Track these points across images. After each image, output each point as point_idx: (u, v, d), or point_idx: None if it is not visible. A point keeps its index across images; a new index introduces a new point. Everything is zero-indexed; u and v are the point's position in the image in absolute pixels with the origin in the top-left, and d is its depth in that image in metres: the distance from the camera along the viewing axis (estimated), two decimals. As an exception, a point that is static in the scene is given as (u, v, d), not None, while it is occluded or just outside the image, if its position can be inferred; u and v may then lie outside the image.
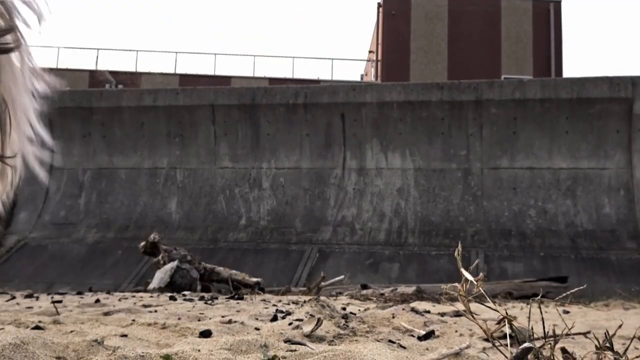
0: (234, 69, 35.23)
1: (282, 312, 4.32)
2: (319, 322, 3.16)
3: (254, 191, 10.95)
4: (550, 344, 1.95)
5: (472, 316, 1.89)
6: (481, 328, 1.89)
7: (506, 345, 1.95)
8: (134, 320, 3.83)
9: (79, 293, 7.77)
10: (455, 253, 1.95)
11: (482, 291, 1.90)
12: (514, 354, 1.73)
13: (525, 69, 29.11)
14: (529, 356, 1.88)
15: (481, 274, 1.97)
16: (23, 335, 2.48)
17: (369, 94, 10.55)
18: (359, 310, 4.93)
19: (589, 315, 4.61)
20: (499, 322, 1.91)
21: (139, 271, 9.83)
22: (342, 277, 8.16)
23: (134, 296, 6.92)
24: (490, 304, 1.94)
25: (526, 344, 1.75)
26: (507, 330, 1.92)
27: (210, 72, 34.64)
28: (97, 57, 35.32)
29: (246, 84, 30.66)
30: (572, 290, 2.37)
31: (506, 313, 1.91)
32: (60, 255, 10.65)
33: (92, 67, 34.69)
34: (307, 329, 3.10)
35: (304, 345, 2.77)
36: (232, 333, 3.24)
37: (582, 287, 2.81)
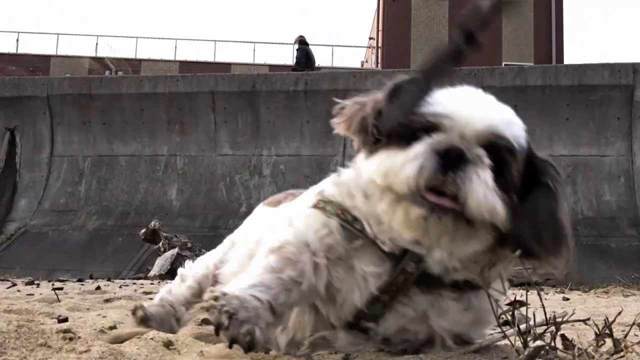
0: (234, 55, 35.09)
1: (282, 299, 4.32)
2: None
3: (255, 178, 10.95)
4: (552, 331, 1.95)
5: (490, 299, 1.89)
6: (492, 310, 1.90)
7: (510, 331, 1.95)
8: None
9: (80, 280, 7.79)
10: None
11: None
12: (526, 353, 1.73)
13: (526, 56, 29.05)
14: (528, 339, 1.89)
15: None
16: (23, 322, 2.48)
17: (370, 81, 10.51)
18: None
19: (589, 302, 4.63)
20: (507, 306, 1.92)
21: (140, 258, 9.85)
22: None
23: (134, 283, 6.94)
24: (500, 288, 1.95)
25: (538, 342, 1.75)
26: (509, 316, 1.92)
27: (210, 59, 34.57)
28: (96, 44, 35.24)
29: (246, 70, 30.63)
30: (572, 279, 2.37)
31: (515, 299, 1.92)
32: (60, 242, 10.67)
33: (92, 54, 34.62)
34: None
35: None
36: (232, 320, 3.23)
37: (584, 283, 2.82)
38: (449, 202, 1.71)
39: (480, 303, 1.92)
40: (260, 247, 2.05)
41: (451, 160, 1.72)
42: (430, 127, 1.82)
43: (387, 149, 1.85)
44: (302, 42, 17.13)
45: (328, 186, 2.04)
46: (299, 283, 1.86)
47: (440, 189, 1.71)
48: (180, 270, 2.64)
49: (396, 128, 1.85)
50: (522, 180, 1.88)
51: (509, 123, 1.92)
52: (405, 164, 1.75)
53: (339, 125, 2.09)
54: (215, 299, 1.71)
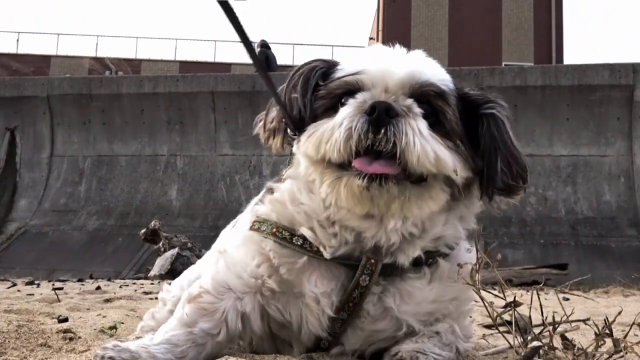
0: (234, 55, 35.10)
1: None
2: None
3: (255, 178, 10.94)
4: (549, 331, 1.95)
5: (484, 301, 1.89)
6: (487, 312, 1.89)
7: (508, 331, 1.95)
8: (134, 307, 3.84)
9: (80, 280, 7.79)
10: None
11: (498, 276, 1.91)
12: (523, 354, 1.73)
13: (526, 56, 29.01)
14: (528, 338, 1.89)
15: (499, 254, 1.96)
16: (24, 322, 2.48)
17: (370, 81, 10.49)
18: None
19: (589, 302, 4.62)
20: (505, 307, 1.91)
21: (140, 258, 9.85)
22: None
23: (134, 283, 6.94)
24: (502, 286, 1.95)
25: (535, 343, 1.75)
26: (509, 316, 1.92)
27: (210, 59, 34.55)
28: (96, 44, 35.23)
29: (246, 71, 30.57)
30: (572, 278, 2.37)
31: (514, 299, 1.91)
32: (61, 242, 10.67)
33: (92, 54, 34.61)
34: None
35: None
36: (232, 320, 3.23)
37: (584, 277, 2.82)
38: (382, 167, 1.61)
39: (443, 273, 1.83)
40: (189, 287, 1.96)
41: (380, 116, 1.61)
42: (351, 89, 1.74)
43: (315, 122, 1.76)
44: (263, 46, 17.88)
45: (261, 205, 1.92)
46: (214, 335, 1.79)
47: (375, 148, 1.61)
48: (160, 295, 2.53)
49: (319, 102, 1.79)
50: (462, 122, 1.76)
51: (430, 67, 1.80)
52: (333, 129, 1.66)
53: (264, 140, 1.97)
54: (103, 349, 1.64)
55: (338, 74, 1.80)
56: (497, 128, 1.78)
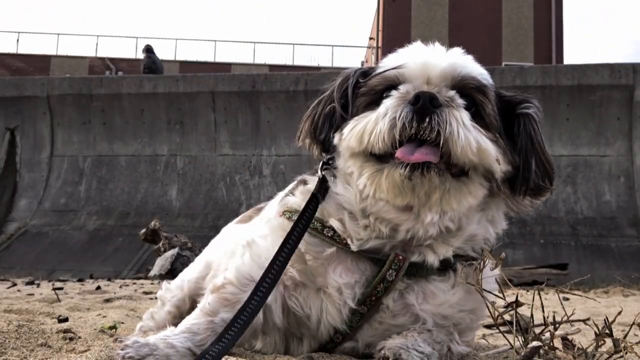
0: (234, 55, 35.04)
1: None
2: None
3: (254, 178, 10.94)
4: (550, 331, 1.95)
5: (486, 301, 1.89)
6: (489, 312, 1.89)
7: (509, 331, 1.95)
8: (134, 307, 3.84)
9: (80, 280, 7.79)
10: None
11: (502, 274, 1.91)
12: (522, 354, 1.73)
13: (526, 56, 28.98)
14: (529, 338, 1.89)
15: (503, 253, 1.96)
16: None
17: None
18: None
19: (589, 302, 4.62)
20: (506, 307, 1.91)
21: (140, 258, 9.85)
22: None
23: (134, 283, 6.94)
24: (510, 287, 1.94)
25: (535, 343, 1.74)
26: (509, 316, 1.92)
27: (210, 59, 34.51)
28: (96, 44, 35.21)
29: (246, 70, 30.58)
30: (572, 278, 2.36)
31: (516, 299, 1.91)
32: (61, 242, 10.66)
33: (92, 54, 34.59)
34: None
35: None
36: (232, 320, 3.22)
37: (584, 277, 2.82)
38: (423, 155, 1.62)
39: (466, 281, 1.84)
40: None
41: (424, 105, 1.63)
42: (392, 83, 1.77)
43: (357, 117, 1.78)
44: (148, 51, 18.25)
45: (291, 197, 1.95)
46: None
47: (418, 137, 1.63)
48: (159, 293, 2.53)
49: (360, 99, 1.82)
50: (500, 118, 1.80)
51: (470, 62, 1.85)
52: (377, 120, 1.68)
53: (302, 142, 2.03)
54: (123, 348, 1.64)
55: (378, 71, 1.84)
56: (533, 129, 1.81)
